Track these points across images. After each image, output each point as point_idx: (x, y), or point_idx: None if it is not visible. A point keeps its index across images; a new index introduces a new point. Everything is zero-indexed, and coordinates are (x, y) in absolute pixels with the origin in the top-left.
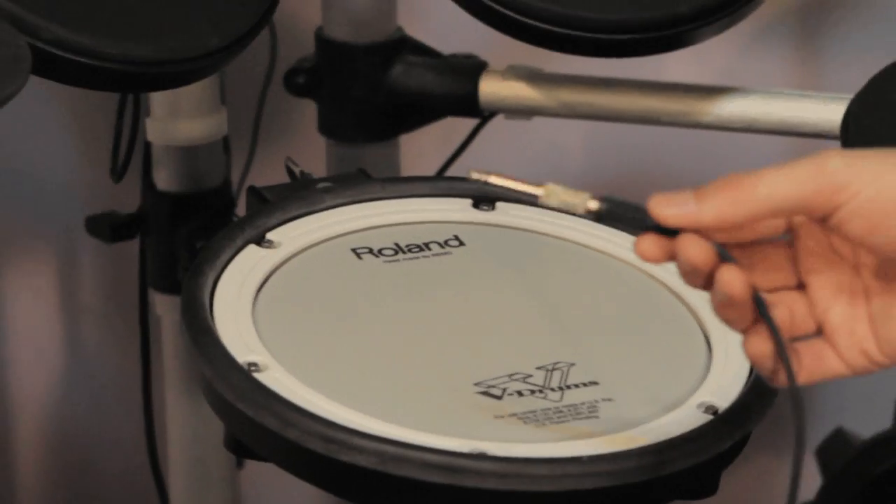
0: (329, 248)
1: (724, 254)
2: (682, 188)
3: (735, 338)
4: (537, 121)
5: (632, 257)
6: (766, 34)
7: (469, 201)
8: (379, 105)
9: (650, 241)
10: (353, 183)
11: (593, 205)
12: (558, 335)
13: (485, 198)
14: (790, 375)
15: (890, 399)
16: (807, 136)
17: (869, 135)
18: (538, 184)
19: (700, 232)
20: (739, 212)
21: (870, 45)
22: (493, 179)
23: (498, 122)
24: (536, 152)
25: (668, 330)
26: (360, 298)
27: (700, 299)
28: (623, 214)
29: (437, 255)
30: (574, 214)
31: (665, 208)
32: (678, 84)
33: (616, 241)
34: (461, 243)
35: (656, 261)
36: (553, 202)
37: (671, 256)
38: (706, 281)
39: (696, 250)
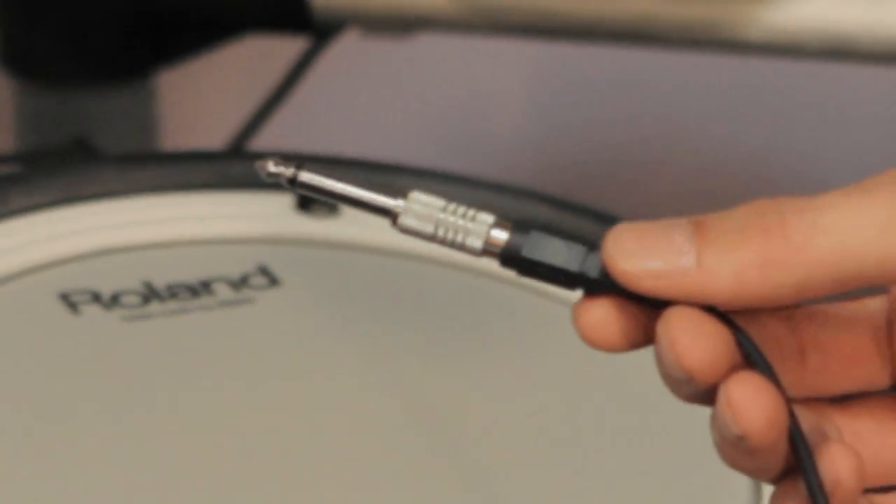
0: (16, 293)
1: (750, 348)
2: (668, 215)
3: None
4: (428, 44)
5: None
6: None
7: (291, 198)
8: (116, 13)
9: (604, 313)
10: (63, 166)
11: (499, 236)
12: (471, 481)
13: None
14: None
15: None
16: None
17: None
18: (394, 192)
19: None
20: (778, 280)
21: None
22: (306, 177)
23: (349, 45)
24: (422, 108)
25: (687, 458)
26: (69, 399)
27: None
28: (554, 262)
29: (225, 305)
30: (463, 251)
31: (636, 259)
32: None
33: None
34: (273, 282)
35: (614, 349)
36: (421, 225)
37: (644, 341)
38: (707, 393)
39: (694, 340)
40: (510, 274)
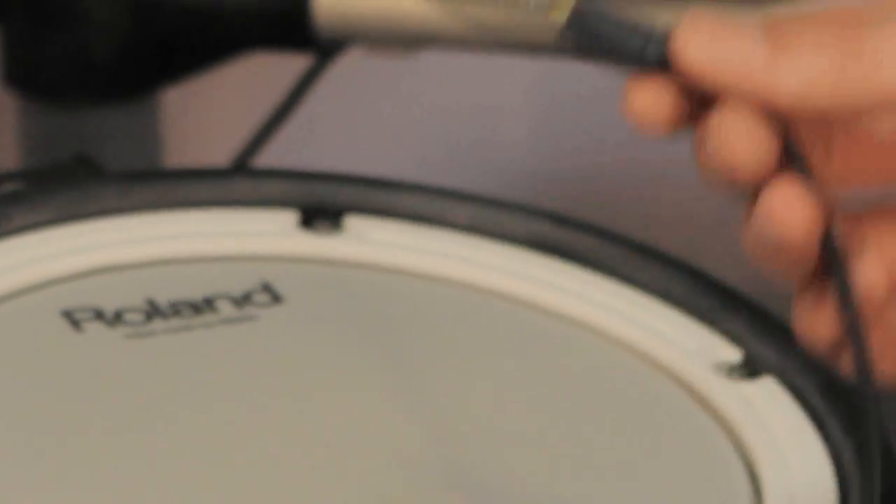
0: (20, 310)
1: (796, 153)
2: (672, 231)
3: (804, 481)
4: (431, 61)
5: (605, 319)
6: None
7: (294, 215)
8: (120, 31)
9: (655, 95)
10: (66, 183)
11: None
12: (465, 489)
13: (325, 207)
14: (865, 373)
15: None
16: None
17: None
18: None
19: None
20: (842, 96)
21: None
22: None
23: (352, 62)
24: (426, 125)
25: (679, 464)
26: (72, 416)
27: (742, 403)
28: (619, 34)
29: (229, 322)
30: (528, 13)
31: (707, 48)
32: None
33: (573, 289)
34: (275, 298)
35: (657, 131)
36: None
37: (686, 127)
38: (743, 189)
39: (748, 141)
40: (514, 291)
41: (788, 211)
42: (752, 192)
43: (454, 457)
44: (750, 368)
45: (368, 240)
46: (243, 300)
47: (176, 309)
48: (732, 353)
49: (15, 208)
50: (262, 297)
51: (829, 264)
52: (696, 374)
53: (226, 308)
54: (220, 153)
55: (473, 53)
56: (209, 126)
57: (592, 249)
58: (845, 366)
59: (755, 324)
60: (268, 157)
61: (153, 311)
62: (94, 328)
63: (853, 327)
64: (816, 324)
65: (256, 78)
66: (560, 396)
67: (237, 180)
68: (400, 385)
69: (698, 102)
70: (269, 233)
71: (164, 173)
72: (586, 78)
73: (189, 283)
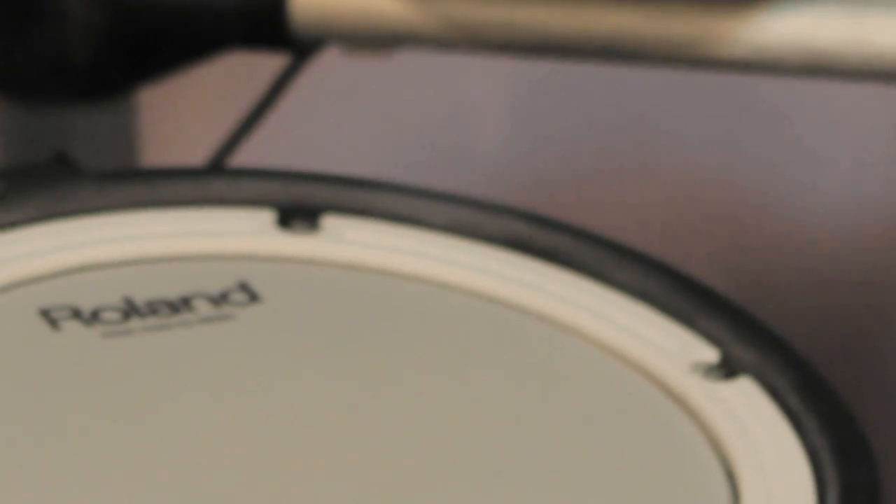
0: None
1: None
2: (653, 229)
3: (781, 481)
4: (409, 60)
5: (583, 319)
6: None
7: (272, 214)
8: (96, 30)
9: None
10: (43, 182)
11: None
12: (443, 486)
13: (302, 206)
14: None
15: None
16: None
17: None
18: None
19: None
20: None
21: None
22: None
23: (330, 61)
24: (404, 124)
25: (656, 465)
26: (50, 415)
27: (719, 404)
28: None
29: (206, 321)
30: None
31: None
32: None
33: (551, 289)
34: (253, 298)
35: None
36: None
37: None
38: None
39: None
40: (492, 291)
41: None
42: None
43: (433, 455)
44: (727, 369)
45: (346, 239)
46: (220, 299)
47: (153, 308)
48: (710, 354)
49: None
50: (239, 297)
51: None
52: (674, 375)
53: (203, 307)
54: (197, 152)
55: (451, 53)
56: (186, 125)
57: (570, 250)
58: None
59: (733, 324)
60: (245, 157)
61: (130, 309)
62: (72, 327)
63: None
64: None
65: (233, 77)
66: (537, 395)
67: (214, 180)
68: (378, 384)
69: None
70: (246, 232)
71: (141, 172)
72: (565, 77)
73: (166, 282)
